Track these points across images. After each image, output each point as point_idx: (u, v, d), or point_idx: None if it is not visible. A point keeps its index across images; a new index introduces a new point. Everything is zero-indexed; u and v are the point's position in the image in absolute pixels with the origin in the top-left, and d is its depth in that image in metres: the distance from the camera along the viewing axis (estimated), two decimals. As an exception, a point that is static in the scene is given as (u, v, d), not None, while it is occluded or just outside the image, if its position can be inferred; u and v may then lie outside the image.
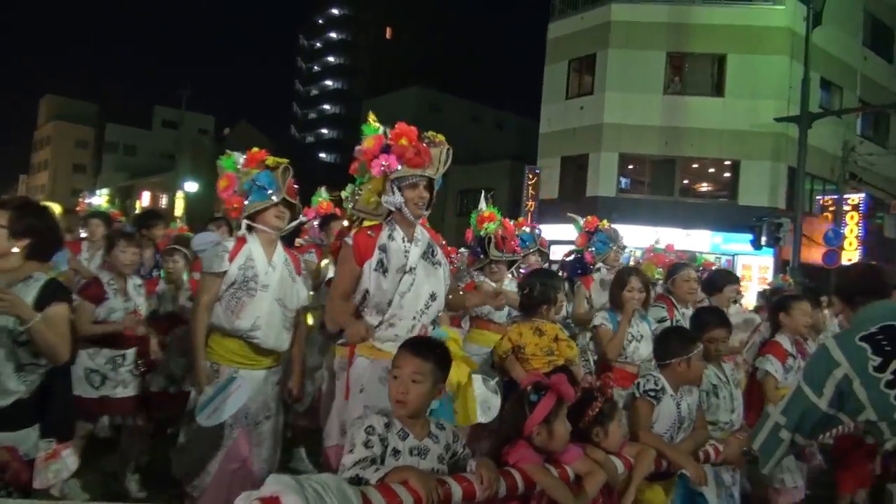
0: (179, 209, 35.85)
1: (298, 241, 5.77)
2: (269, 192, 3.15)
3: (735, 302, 5.65)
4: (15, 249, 2.42)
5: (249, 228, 3.20)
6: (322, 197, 5.76)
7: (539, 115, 23.08)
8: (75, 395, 3.68)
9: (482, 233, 4.74)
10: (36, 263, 2.49)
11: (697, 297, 4.62)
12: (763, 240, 16.09)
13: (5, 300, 2.20)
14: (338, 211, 5.41)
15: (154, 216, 6.44)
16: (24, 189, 59.67)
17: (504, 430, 2.46)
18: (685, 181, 21.02)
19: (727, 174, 20.65)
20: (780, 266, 17.43)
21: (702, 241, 19.04)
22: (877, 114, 23.33)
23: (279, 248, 3.26)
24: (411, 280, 2.88)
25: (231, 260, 3.11)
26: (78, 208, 10.04)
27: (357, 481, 1.90)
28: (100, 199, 17.62)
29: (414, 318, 2.88)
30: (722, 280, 5.01)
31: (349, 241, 2.98)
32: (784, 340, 3.95)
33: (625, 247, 5.94)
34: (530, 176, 22.13)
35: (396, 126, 2.99)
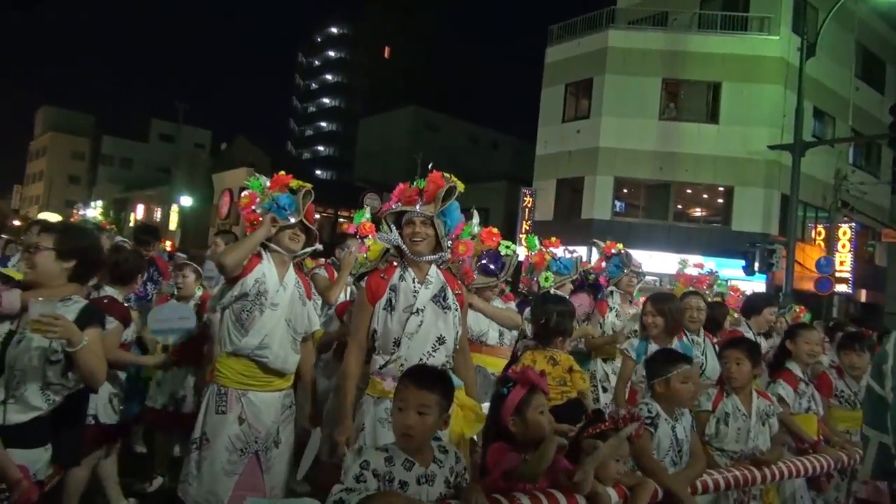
0: (174, 223, 35.74)
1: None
2: (287, 212, 3.19)
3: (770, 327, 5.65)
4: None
5: (264, 247, 3.21)
6: (365, 217, 5.55)
7: (535, 137, 23.26)
8: (100, 424, 3.71)
9: (507, 252, 4.52)
10: (75, 286, 2.53)
11: (700, 325, 4.57)
12: (756, 266, 16.20)
13: (58, 326, 2.20)
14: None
15: (149, 232, 6.33)
16: (19, 199, 59.40)
17: (486, 429, 2.60)
18: (679, 206, 21.13)
19: (721, 200, 20.78)
20: (773, 292, 17.51)
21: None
22: (868, 144, 23.63)
23: (291, 270, 3.26)
24: (419, 321, 2.90)
25: (247, 273, 3.11)
26: (72, 220, 10.03)
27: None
28: (94, 210, 17.62)
29: (420, 360, 2.86)
30: (762, 302, 5.08)
31: (363, 283, 3.12)
32: (794, 367, 4.07)
33: (641, 272, 5.92)
34: (526, 197, 22.24)
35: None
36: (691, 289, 5.19)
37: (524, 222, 22.00)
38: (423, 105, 45.06)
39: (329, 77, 71.53)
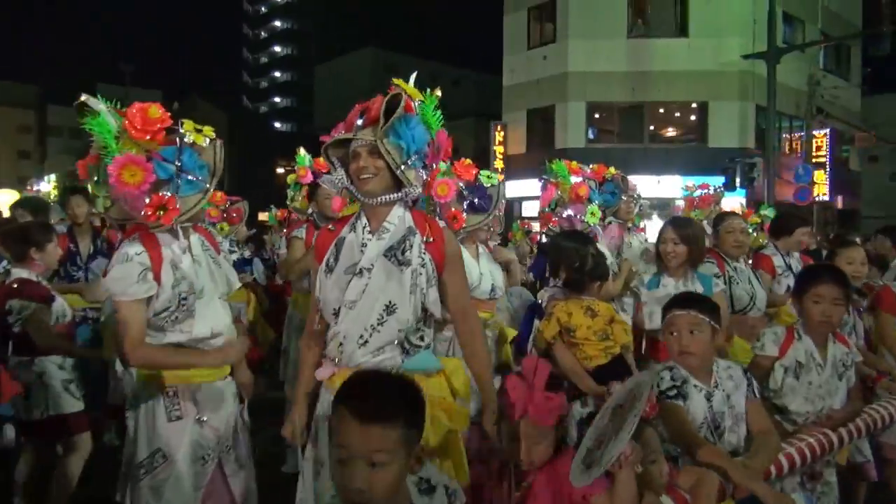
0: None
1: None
2: (196, 176, 2.36)
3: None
4: None
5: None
6: (307, 162, 4.69)
7: (500, 68, 22.41)
8: (65, 414, 3.31)
9: (490, 181, 3.91)
10: None
11: (745, 250, 4.08)
12: (737, 181, 15.88)
13: None
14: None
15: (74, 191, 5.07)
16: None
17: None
18: (653, 127, 20.66)
19: (695, 117, 20.34)
20: (755, 206, 17.30)
21: (673, 187, 18.73)
22: (837, 46, 23.18)
23: (193, 235, 2.54)
24: (363, 284, 2.21)
25: (158, 280, 2.35)
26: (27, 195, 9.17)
27: None
28: (48, 185, 16.59)
29: (361, 336, 2.20)
30: (794, 222, 4.57)
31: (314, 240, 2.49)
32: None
33: (639, 196, 5.38)
34: (497, 131, 21.51)
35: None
36: (722, 210, 4.66)
37: (497, 158, 21.37)
38: (379, 46, 43.46)
39: (278, 24, 68.49)
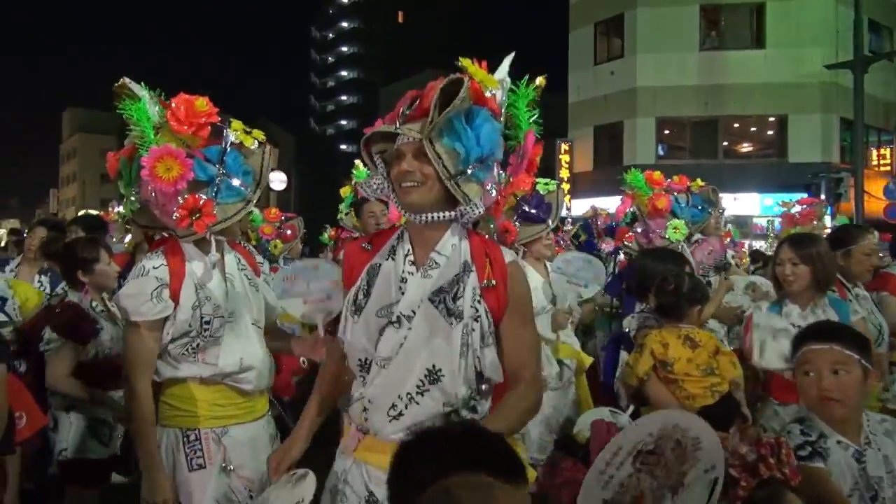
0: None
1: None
2: (240, 182, 2.13)
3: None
4: None
5: (172, 236, 2.18)
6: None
7: (564, 86, 22.04)
8: (82, 460, 2.88)
9: (546, 188, 3.61)
10: None
11: (871, 275, 3.56)
12: (822, 198, 14.92)
13: None
14: None
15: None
16: (56, 203, 60.23)
17: None
18: (726, 142, 19.82)
19: (773, 131, 19.41)
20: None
21: (751, 205, 17.88)
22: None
23: (228, 252, 2.26)
24: (400, 337, 1.66)
25: (176, 299, 2.07)
26: (108, 217, 9.34)
27: None
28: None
29: (394, 406, 1.66)
30: (856, 233, 4.01)
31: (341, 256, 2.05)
32: None
33: (723, 210, 4.93)
34: (563, 148, 21.09)
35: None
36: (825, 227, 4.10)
37: (562, 176, 20.93)
38: (441, 67, 43.62)
39: (345, 49, 70.13)
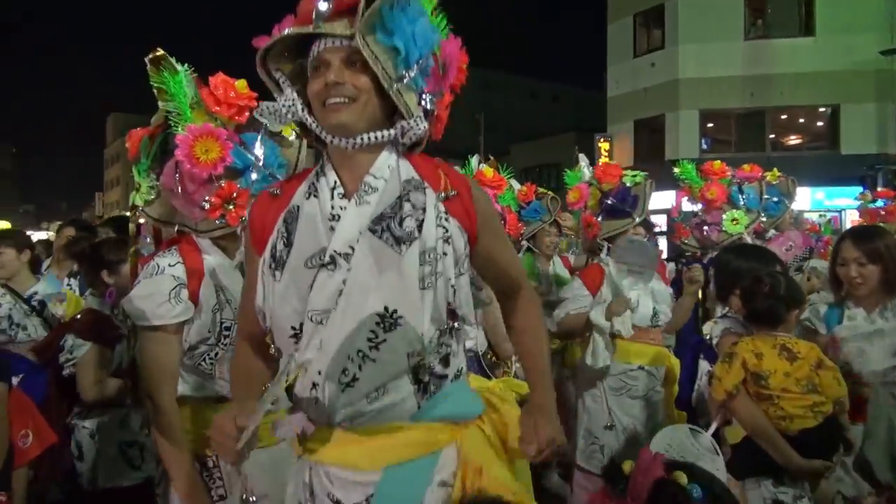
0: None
1: None
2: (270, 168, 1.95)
3: None
4: None
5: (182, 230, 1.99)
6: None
7: (601, 82, 21.59)
8: (115, 489, 2.65)
9: (634, 181, 3.38)
10: None
11: None
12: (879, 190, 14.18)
13: None
14: None
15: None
16: (101, 206, 61.80)
17: None
18: (774, 134, 19.07)
19: (823, 122, 18.61)
20: None
21: (802, 199, 17.06)
22: None
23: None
24: (338, 282, 1.31)
25: (195, 297, 1.83)
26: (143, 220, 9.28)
27: None
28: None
29: (345, 371, 1.31)
30: None
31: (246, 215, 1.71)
32: None
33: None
34: (602, 143, 20.59)
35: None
36: None
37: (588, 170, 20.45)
38: (478, 65, 43.52)
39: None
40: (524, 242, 4.50)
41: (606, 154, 20.31)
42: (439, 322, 1.35)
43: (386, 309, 1.30)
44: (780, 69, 17.82)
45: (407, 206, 1.33)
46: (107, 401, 2.72)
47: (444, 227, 1.35)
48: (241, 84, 1.87)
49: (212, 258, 1.88)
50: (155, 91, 1.86)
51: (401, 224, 1.32)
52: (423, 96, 1.33)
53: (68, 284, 4.13)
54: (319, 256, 1.32)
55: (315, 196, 1.37)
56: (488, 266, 1.48)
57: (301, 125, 1.40)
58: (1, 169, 56.14)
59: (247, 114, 1.87)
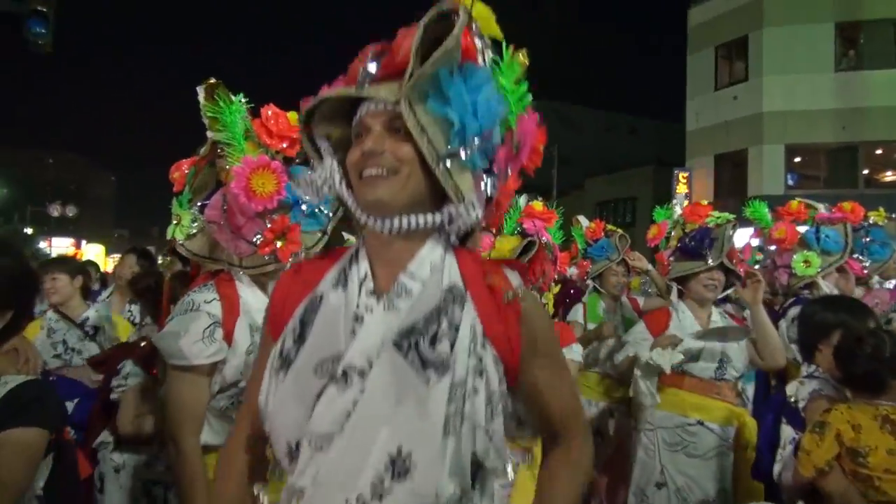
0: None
1: None
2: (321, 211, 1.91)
3: None
4: None
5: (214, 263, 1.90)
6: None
7: (680, 114, 21.04)
8: None
9: (717, 221, 3.28)
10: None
11: None
12: None
13: None
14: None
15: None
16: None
17: None
18: (868, 170, 18.01)
19: (922, 157, 17.45)
20: None
21: None
22: None
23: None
24: (348, 403, 1.07)
25: (229, 340, 1.76)
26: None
27: None
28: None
29: None
30: None
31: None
32: None
33: None
34: (681, 178, 19.99)
35: None
36: None
37: (680, 207, 19.81)
38: (553, 98, 43.45)
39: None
40: (590, 282, 4.31)
41: (685, 190, 19.71)
42: (461, 478, 1.07)
43: (399, 451, 1.04)
44: (875, 102, 16.90)
45: (445, 323, 1.08)
46: (142, 438, 2.65)
47: (478, 357, 1.08)
48: (293, 116, 1.84)
49: (249, 296, 1.82)
50: (206, 121, 1.84)
51: (433, 344, 1.06)
52: (484, 179, 1.11)
53: (129, 311, 4.23)
54: (332, 363, 1.09)
55: (343, 287, 1.14)
56: (533, 401, 1.20)
57: (341, 201, 1.18)
58: (99, 196, 59.84)
59: (298, 147, 1.83)
